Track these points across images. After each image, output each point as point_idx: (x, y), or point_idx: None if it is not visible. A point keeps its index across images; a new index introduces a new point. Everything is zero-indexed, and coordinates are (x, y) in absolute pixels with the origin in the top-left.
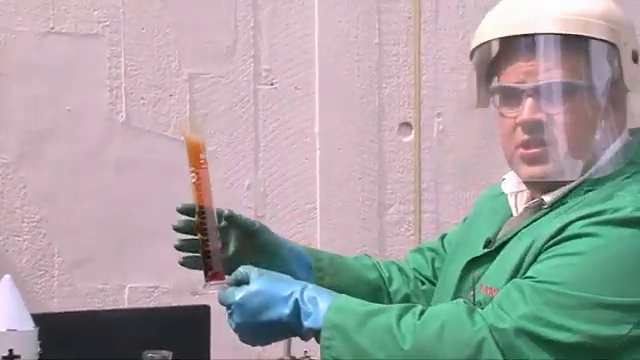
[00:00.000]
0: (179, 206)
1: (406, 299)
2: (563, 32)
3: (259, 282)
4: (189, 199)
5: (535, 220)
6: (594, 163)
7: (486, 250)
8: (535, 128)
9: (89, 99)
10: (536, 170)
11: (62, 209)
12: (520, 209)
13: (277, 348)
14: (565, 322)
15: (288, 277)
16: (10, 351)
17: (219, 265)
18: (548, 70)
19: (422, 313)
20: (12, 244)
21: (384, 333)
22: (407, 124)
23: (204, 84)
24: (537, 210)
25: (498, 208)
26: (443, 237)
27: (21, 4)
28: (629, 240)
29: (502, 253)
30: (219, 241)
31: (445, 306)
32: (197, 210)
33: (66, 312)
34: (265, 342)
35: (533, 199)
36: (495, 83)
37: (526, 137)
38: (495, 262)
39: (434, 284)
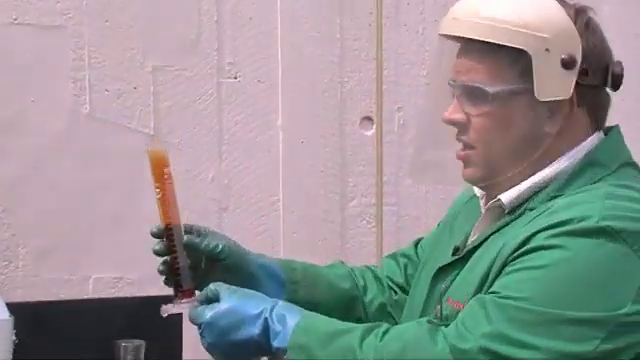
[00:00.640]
0: (154, 229)
1: (381, 308)
2: (468, 36)
3: (229, 300)
4: (152, 192)
5: (504, 226)
6: (545, 166)
7: (454, 258)
8: (457, 128)
9: (53, 90)
10: (467, 172)
11: (26, 200)
12: (483, 211)
13: None
14: (529, 339)
15: (259, 295)
16: None
17: (188, 282)
18: (465, 71)
19: (385, 333)
20: None
21: (346, 354)
22: (368, 118)
23: (168, 77)
24: (501, 212)
25: (470, 211)
26: (418, 242)
27: None
28: (595, 251)
29: (469, 263)
30: (186, 258)
31: (407, 326)
32: (163, 227)
33: (38, 302)
34: (235, 350)
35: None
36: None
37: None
38: (462, 273)
39: (407, 292)
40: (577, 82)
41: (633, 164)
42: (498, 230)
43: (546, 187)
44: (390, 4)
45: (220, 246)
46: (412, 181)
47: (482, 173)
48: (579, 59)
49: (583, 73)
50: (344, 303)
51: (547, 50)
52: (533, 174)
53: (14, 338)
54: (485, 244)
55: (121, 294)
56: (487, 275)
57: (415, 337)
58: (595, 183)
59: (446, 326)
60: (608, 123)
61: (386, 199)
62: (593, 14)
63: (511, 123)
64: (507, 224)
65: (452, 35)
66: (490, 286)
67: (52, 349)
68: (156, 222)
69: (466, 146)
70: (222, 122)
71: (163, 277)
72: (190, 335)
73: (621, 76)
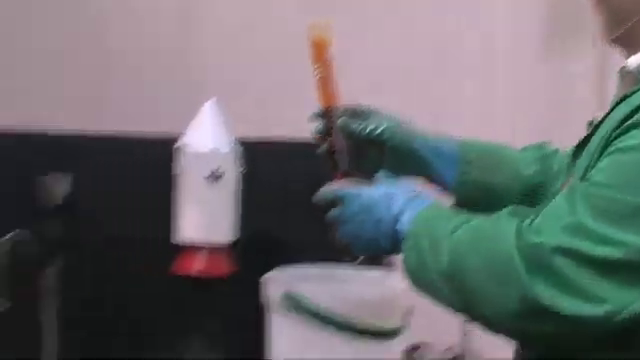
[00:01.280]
0: (315, 112)
1: None
2: None
3: (380, 185)
4: None
5: (631, 95)
6: None
7: (585, 135)
8: None
9: None
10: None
11: None
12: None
13: None
14: (612, 233)
15: (404, 184)
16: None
17: (345, 164)
18: None
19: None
20: None
21: (438, 242)
22: None
23: None
24: (634, 80)
25: None
26: None
27: None
28: None
29: (590, 141)
30: (343, 140)
31: (496, 215)
32: (323, 108)
33: None
34: (363, 246)
35: None
36: None
37: None
38: (584, 151)
39: None
40: None
41: None
42: (624, 99)
43: None
44: None
45: (380, 128)
46: None
47: (606, 21)
48: None
49: None
50: (524, 189)
51: None
52: None
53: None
54: (608, 117)
55: None
56: (595, 155)
57: (488, 227)
58: None
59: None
60: None
61: None
62: None
63: None
64: (634, 92)
65: None
66: (592, 169)
67: None
68: None
69: None
70: None
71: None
72: None
73: None
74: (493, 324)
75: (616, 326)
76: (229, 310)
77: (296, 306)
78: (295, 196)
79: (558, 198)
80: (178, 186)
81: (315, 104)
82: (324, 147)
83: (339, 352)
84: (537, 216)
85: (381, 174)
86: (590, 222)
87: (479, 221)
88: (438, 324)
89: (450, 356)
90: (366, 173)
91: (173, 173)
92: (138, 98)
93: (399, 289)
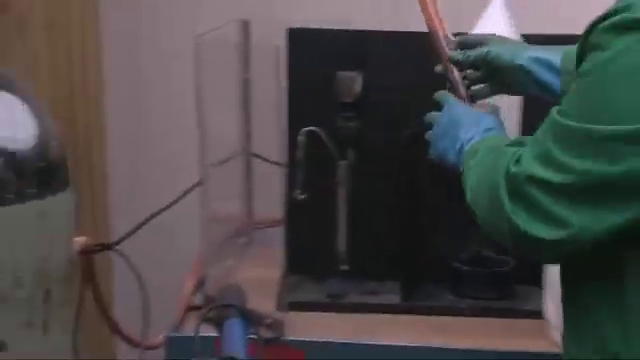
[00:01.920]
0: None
1: None
2: None
3: (476, 110)
4: None
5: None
6: None
7: None
8: None
9: None
10: None
11: None
12: None
13: None
14: (567, 160)
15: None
16: None
17: (460, 92)
18: None
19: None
20: None
21: (470, 168)
22: None
23: None
24: None
25: None
26: None
27: None
28: (627, 50)
29: None
30: (454, 69)
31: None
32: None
33: None
34: (438, 153)
35: None
36: None
37: None
38: None
39: None
40: None
41: None
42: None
43: None
44: None
45: (483, 53)
46: None
47: None
48: None
49: None
50: None
51: None
52: None
53: None
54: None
55: None
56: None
57: (494, 158)
58: None
59: None
60: None
61: None
62: None
63: None
64: (610, 10)
65: None
66: None
67: None
68: None
69: None
70: None
71: None
72: None
73: None
74: (504, 246)
75: (583, 246)
76: None
77: None
78: None
79: (540, 127)
80: None
81: None
82: (440, 69)
83: None
84: (526, 143)
85: (490, 103)
86: (554, 150)
87: (495, 153)
88: None
89: None
90: (483, 95)
91: None
92: None
93: None
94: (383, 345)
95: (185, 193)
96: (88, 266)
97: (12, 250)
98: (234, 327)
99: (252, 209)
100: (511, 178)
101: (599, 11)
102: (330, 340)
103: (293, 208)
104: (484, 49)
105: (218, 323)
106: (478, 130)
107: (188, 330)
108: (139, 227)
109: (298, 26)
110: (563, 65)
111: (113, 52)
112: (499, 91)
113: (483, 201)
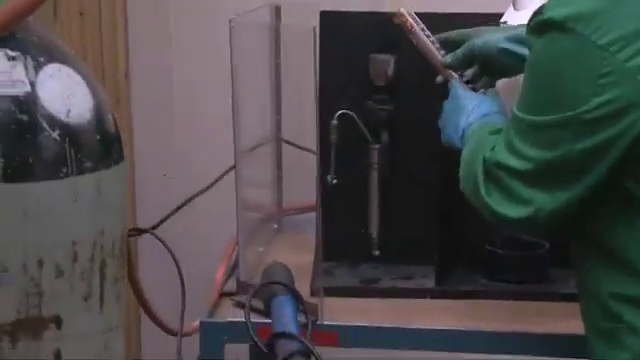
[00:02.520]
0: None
1: None
2: None
3: (477, 96)
4: None
5: None
6: None
7: None
8: None
9: None
10: None
11: None
12: None
13: None
14: (522, 148)
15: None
16: None
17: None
18: None
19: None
20: None
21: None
22: None
23: None
24: None
25: None
26: None
27: None
28: (544, 49)
29: None
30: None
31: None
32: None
33: None
34: (446, 138)
35: None
36: None
37: None
38: None
39: None
40: None
41: None
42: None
43: None
44: None
45: (471, 46)
46: None
47: None
48: None
49: None
50: None
51: None
52: None
53: None
54: None
55: None
56: None
57: (479, 145)
58: None
59: None
60: None
61: None
62: None
63: None
64: None
65: None
66: None
67: None
68: None
69: None
70: None
71: None
72: None
73: None
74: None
75: (545, 222)
76: None
77: None
78: None
79: None
80: None
81: None
82: (441, 79)
83: None
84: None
85: (489, 90)
86: (514, 140)
87: (479, 142)
88: None
89: None
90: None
91: None
92: None
93: None
94: (417, 329)
95: (219, 178)
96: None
97: (69, 224)
98: (284, 304)
99: (281, 196)
100: (486, 165)
101: None
102: (364, 324)
103: (326, 193)
104: (470, 44)
105: (266, 301)
106: (477, 115)
107: (222, 316)
108: (175, 211)
109: (330, 9)
110: None
111: (143, 34)
112: (497, 78)
113: (469, 186)
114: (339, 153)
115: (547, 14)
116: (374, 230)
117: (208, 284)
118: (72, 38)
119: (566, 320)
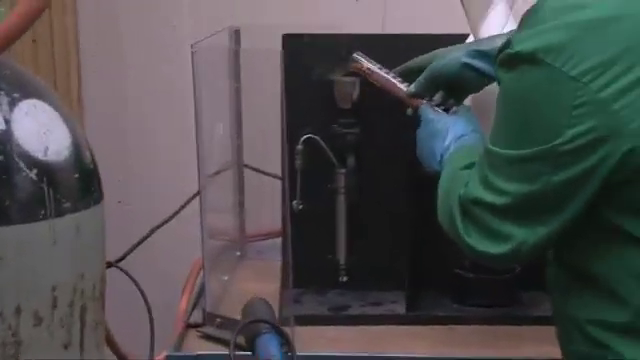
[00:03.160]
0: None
1: None
2: None
3: (447, 117)
4: None
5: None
6: None
7: None
8: None
9: None
10: None
11: None
12: None
13: None
14: (498, 183)
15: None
16: None
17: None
18: None
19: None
20: None
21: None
22: None
23: None
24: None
25: None
26: None
27: None
28: (515, 82)
29: None
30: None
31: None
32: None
33: None
34: (425, 163)
35: None
36: None
37: None
38: None
39: None
40: None
41: None
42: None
43: None
44: None
45: (432, 68)
46: None
47: None
48: None
49: None
50: None
51: None
52: None
53: None
54: None
55: None
56: None
57: (455, 178)
58: None
59: None
60: None
61: None
62: None
63: None
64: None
65: None
66: None
67: None
68: None
69: None
70: None
71: None
72: None
73: None
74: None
75: (527, 256)
76: None
77: None
78: None
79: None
80: None
81: None
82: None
83: None
84: None
85: (460, 108)
86: (489, 176)
87: (451, 177)
88: None
89: None
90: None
91: None
92: None
93: None
94: (390, 357)
95: (184, 205)
96: None
97: (49, 268)
98: (269, 342)
99: (244, 222)
100: (461, 201)
101: None
102: (336, 354)
103: (292, 219)
104: (431, 68)
105: (249, 337)
106: (453, 137)
107: (189, 349)
108: (140, 242)
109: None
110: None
111: (97, 63)
112: (465, 96)
113: (445, 220)
114: (305, 178)
115: (516, 47)
116: (341, 256)
117: (171, 314)
118: (25, 65)
119: (540, 345)
